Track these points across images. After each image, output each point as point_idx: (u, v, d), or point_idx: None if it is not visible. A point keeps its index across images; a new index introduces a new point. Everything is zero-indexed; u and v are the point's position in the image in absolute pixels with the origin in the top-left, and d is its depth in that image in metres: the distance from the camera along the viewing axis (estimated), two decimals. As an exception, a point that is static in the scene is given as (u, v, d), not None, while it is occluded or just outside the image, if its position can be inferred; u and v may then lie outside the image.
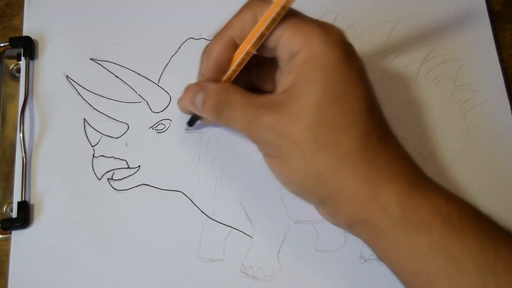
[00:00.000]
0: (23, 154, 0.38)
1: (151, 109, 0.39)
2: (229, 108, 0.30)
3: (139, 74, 0.40)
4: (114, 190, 0.37)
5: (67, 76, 0.40)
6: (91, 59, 0.40)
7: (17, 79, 0.41)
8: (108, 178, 0.38)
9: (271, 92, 0.33)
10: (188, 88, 0.34)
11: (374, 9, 0.42)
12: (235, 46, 0.31)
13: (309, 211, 0.36)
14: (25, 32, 0.41)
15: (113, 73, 0.40)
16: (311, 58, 0.28)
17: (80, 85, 0.40)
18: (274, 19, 0.29)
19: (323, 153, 0.27)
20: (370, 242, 0.29)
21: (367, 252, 0.35)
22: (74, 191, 0.37)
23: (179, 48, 0.41)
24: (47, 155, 0.38)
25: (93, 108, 0.39)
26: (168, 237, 0.36)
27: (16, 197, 0.37)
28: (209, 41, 0.32)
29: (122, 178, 0.38)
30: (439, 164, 0.37)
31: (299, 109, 0.28)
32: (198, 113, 0.33)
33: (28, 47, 0.40)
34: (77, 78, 0.40)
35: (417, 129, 0.38)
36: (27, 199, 0.37)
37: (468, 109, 0.39)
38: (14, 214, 0.37)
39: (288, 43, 0.29)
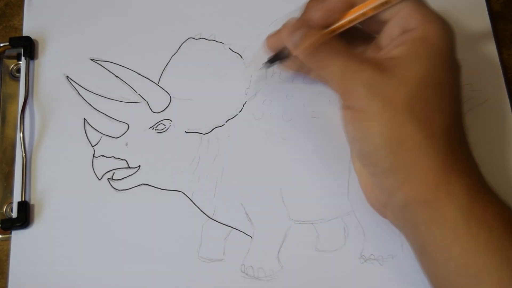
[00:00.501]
0: (23, 154, 0.38)
1: (151, 109, 0.39)
2: (329, 51, 0.30)
3: (139, 74, 0.40)
4: (114, 190, 0.37)
5: (67, 76, 0.40)
6: (91, 59, 0.40)
7: (17, 79, 0.41)
8: (108, 178, 0.38)
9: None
10: (289, 21, 0.32)
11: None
12: (351, 4, 0.31)
13: (310, 211, 0.36)
14: (25, 32, 0.41)
15: (113, 73, 0.40)
16: (426, 37, 0.29)
17: (80, 85, 0.40)
18: None
19: (414, 124, 0.28)
20: (422, 225, 0.28)
21: (367, 252, 0.35)
22: (74, 191, 0.37)
23: (179, 48, 0.41)
24: (47, 155, 0.38)
25: (93, 108, 0.39)
26: (168, 237, 0.36)
27: (16, 197, 0.37)
28: None
29: (122, 178, 0.38)
30: (439, 164, 0.37)
31: (405, 76, 0.28)
32: (291, 47, 0.32)
33: (28, 47, 0.40)
34: (77, 78, 0.40)
35: (417, 129, 0.38)
36: (27, 199, 0.37)
37: (468, 108, 0.39)
38: (14, 214, 0.37)
39: (405, 18, 0.30)
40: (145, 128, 0.39)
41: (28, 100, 0.39)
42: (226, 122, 0.39)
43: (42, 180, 0.38)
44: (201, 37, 0.41)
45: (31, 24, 0.42)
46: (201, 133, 0.38)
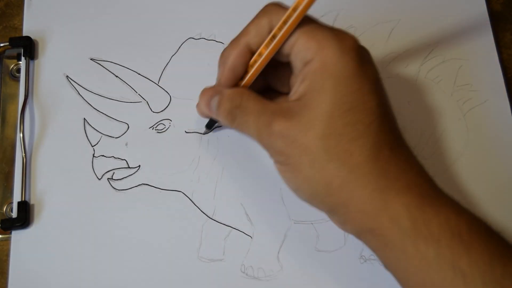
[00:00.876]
0: (23, 154, 0.38)
1: (151, 109, 0.39)
2: (242, 113, 0.31)
3: (139, 74, 0.40)
4: (114, 190, 0.37)
5: (67, 76, 0.40)
6: (91, 59, 0.40)
7: (17, 79, 0.41)
8: (108, 178, 0.38)
9: (287, 94, 0.32)
10: (204, 91, 0.34)
11: (374, 9, 0.42)
12: (251, 52, 0.31)
13: (309, 211, 0.36)
14: (25, 32, 0.41)
15: (113, 73, 0.40)
16: (324, 66, 0.28)
17: (80, 85, 0.40)
18: (290, 25, 0.29)
19: (334, 163, 0.27)
20: (377, 251, 0.29)
21: (367, 252, 0.35)
22: (74, 191, 0.37)
23: (179, 48, 0.41)
24: (47, 155, 0.38)
25: (93, 108, 0.39)
26: (168, 237, 0.36)
27: (16, 197, 0.37)
28: (226, 47, 0.32)
29: (122, 178, 0.38)
30: (439, 164, 0.37)
31: (311, 117, 0.28)
32: (213, 116, 0.34)
33: (28, 47, 0.40)
34: (77, 78, 0.40)
35: (417, 129, 0.38)
36: (27, 199, 0.37)
37: (468, 109, 0.39)
38: (14, 214, 0.37)
39: (302, 50, 0.29)
40: (145, 128, 0.39)
41: (28, 100, 0.39)
42: (226, 122, 0.39)
43: (42, 180, 0.38)
44: (201, 37, 0.41)
45: (31, 24, 0.42)
46: (201, 133, 0.38)
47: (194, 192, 0.37)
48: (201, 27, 0.41)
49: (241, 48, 0.31)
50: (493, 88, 0.39)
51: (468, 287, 0.25)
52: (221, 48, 0.40)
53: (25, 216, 0.36)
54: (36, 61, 0.41)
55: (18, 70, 0.41)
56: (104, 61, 0.40)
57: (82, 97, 0.39)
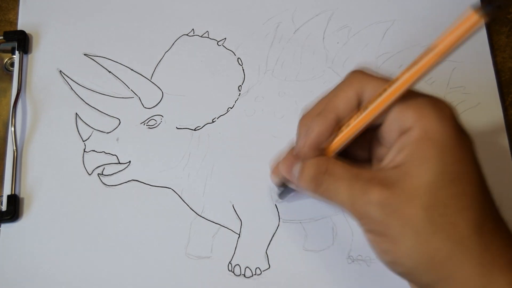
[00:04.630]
0: (14, 148, 0.38)
1: (143, 105, 0.39)
2: (331, 179, 0.29)
3: (132, 70, 0.40)
4: (104, 186, 0.37)
5: (60, 70, 0.40)
6: (84, 54, 0.41)
7: (10, 73, 0.41)
8: (98, 173, 0.38)
9: (362, 160, 0.31)
10: (285, 158, 0.32)
11: (369, 9, 0.42)
12: (337, 124, 0.29)
13: (298, 210, 0.36)
14: (19, 26, 0.41)
15: (106, 68, 0.40)
16: (426, 135, 0.26)
17: (72, 80, 0.40)
18: (386, 105, 0.27)
19: (439, 236, 0.26)
20: None
21: (355, 252, 0.35)
22: (64, 186, 0.37)
23: (172, 44, 0.41)
24: (38, 149, 0.38)
25: (85, 103, 0.39)
26: (157, 233, 0.36)
27: (6, 190, 0.37)
28: (308, 114, 0.30)
29: (112, 174, 0.37)
30: (430, 166, 0.37)
31: (414, 187, 0.26)
32: (294, 182, 0.31)
33: (22, 41, 0.40)
34: (70, 72, 0.40)
35: (409, 130, 0.38)
36: (17, 193, 0.37)
37: (460, 111, 0.38)
38: (3, 207, 0.37)
39: (397, 119, 0.27)
40: (137, 123, 0.39)
41: (20, 94, 0.39)
42: (217, 118, 0.39)
43: (32, 174, 0.38)
44: (195, 34, 0.41)
45: (26, 19, 0.42)
46: (192, 129, 0.38)
47: (183, 189, 0.37)
48: (195, 24, 0.41)
49: (328, 124, 0.29)
50: (486, 91, 0.39)
51: None
52: (214, 45, 0.41)
53: (14, 209, 0.36)
54: (30, 55, 0.41)
55: (12, 64, 0.41)
56: (97, 56, 0.40)
57: (75, 92, 0.39)
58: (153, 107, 0.39)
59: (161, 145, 0.38)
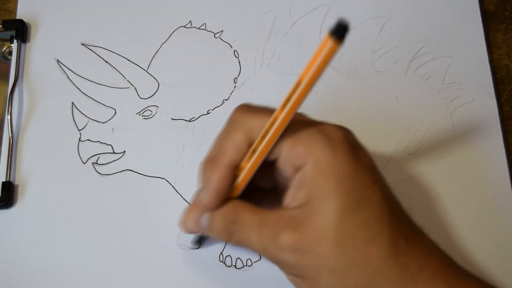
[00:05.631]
0: (10, 135, 0.38)
1: (139, 95, 0.39)
2: (242, 229, 0.28)
3: (128, 60, 0.40)
4: (98, 175, 0.37)
5: (57, 60, 0.40)
6: (82, 44, 0.41)
7: (8, 61, 0.41)
8: (93, 162, 0.38)
9: (268, 189, 0.31)
10: (190, 209, 0.31)
11: (366, 4, 0.42)
12: (234, 169, 0.28)
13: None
14: (18, 15, 0.42)
15: (103, 58, 0.40)
16: (319, 169, 0.26)
17: (70, 69, 0.40)
18: (270, 139, 0.27)
19: (354, 270, 0.26)
20: None
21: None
22: (59, 174, 0.37)
23: (169, 36, 0.41)
24: (34, 137, 0.38)
25: (82, 92, 0.39)
26: (149, 223, 0.36)
27: (1, 177, 0.37)
28: (205, 164, 0.29)
29: (107, 163, 0.38)
30: (424, 161, 0.37)
31: (320, 227, 0.26)
32: (206, 234, 0.31)
33: (20, 30, 0.41)
34: (67, 62, 0.40)
35: (403, 125, 0.38)
36: (11, 180, 0.37)
37: (455, 107, 0.38)
38: (-2, 194, 0.37)
39: (290, 157, 0.27)
40: (132, 113, 0.39)
41: (17, 82, 0.40)
42: (212, 110, 0.39)
43: (27, 162, 0.38)
44: (192, 26, 0.41)
45: (25, 8, 0.42)
46: (187, 120, 0.38)
47: (177, 179, 0.37)
48: (192, 16, 0.41)
49: (224, 171, 0.28)
50: (481, 87, 0.39)
51: None
52: (211, 37, 0.41)
53: (8, 196, 0.36)
54: (28, 44, 0.41)
55: (10, 53, 0.41)
56: (95, 46, 0.41)
57: (72, 81, 0.40)
58: (149, 97, 0.39)
59: (156, 135, 0.38)
